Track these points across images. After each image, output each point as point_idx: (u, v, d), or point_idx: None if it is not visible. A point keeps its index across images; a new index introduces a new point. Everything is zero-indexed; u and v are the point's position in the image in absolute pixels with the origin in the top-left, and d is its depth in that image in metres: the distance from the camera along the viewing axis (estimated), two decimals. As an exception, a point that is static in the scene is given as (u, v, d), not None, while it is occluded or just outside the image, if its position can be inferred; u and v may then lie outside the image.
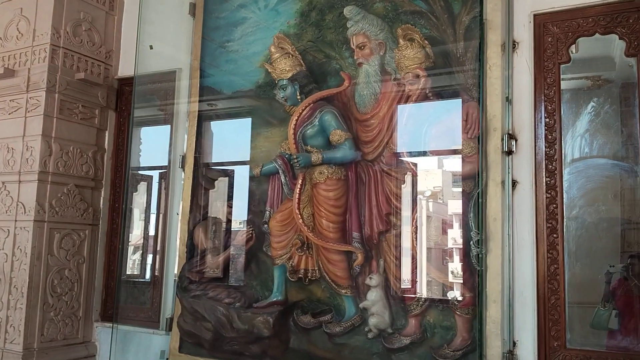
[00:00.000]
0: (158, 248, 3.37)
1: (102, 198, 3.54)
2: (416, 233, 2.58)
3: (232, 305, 2.89)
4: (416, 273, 2.58)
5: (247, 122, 3.08)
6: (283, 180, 2.88)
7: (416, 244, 2.58)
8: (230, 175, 3.13)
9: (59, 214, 3.26)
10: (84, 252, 3.41)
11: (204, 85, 3.26)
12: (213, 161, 3.21)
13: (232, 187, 3.08)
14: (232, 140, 3.28)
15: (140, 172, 3.58)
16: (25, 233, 3.16)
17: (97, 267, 3.49)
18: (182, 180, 3.21)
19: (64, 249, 3.29)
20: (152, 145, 3.50)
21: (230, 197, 3.07)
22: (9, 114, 3.32)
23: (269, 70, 2.95)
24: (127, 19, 3.67)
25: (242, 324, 2.83)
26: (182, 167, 3.24)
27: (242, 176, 3.09)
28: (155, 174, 3.52)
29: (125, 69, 3.63)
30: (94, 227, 3.47)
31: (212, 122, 3.26)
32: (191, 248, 3.13)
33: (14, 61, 3.36)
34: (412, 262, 2.58)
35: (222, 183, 3.14)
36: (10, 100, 3.33)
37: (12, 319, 3.12)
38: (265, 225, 2.90)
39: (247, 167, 3.03)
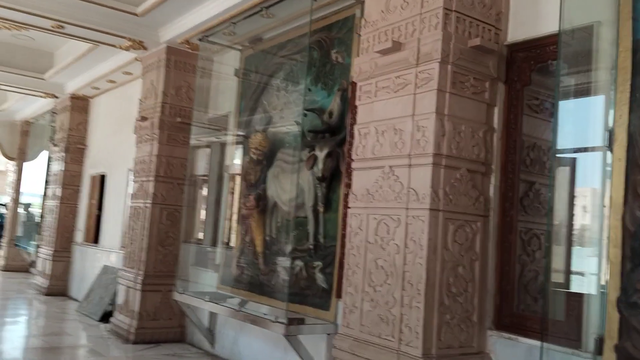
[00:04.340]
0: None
1: (492, 185, 3.04)
2: None
3: None
4: None
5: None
6: None
7: None
8: None
9: (453, 202, 2.84)
10: (476, 248, 2.94)
11: (636, 39, 2.48)
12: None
13: None
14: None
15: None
16: (419, 223, 2.81)
17: (489, 265, 3.00)
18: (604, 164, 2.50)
19: (458, 243, 2.86)
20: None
21: None
22: (395, 92, 3.02)
23: None
24: (519, -27, 3.09)
25: None
26: (609, 146, 2.51)
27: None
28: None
29: (516, 33, 3.05)
30: (485, 219, 2.98)
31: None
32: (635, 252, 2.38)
33: (398, 34, 3.05)
34: None
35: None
36: (395, 77, 3.03)
37: (406, 318, 2.80)
38: None
39: None
